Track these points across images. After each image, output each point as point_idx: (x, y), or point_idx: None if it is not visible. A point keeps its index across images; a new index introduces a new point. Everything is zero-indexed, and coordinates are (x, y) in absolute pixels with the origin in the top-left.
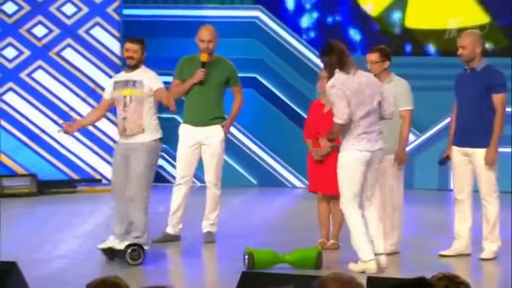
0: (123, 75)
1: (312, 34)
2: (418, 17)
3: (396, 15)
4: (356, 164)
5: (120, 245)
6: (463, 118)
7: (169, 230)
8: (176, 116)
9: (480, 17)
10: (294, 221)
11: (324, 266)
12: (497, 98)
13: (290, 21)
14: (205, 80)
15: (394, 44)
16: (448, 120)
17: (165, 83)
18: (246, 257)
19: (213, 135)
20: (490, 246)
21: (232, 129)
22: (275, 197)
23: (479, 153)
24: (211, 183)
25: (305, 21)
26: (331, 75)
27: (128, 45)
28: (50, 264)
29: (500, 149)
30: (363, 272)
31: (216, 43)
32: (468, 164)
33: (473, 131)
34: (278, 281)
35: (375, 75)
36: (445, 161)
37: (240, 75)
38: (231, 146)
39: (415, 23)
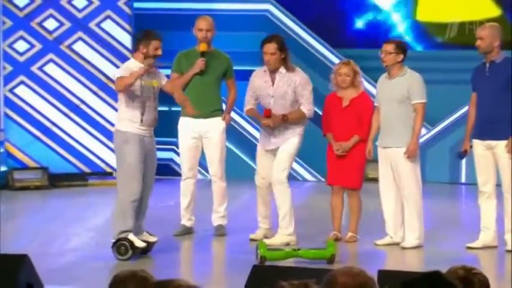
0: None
1: (323, 28)
2: (429, 10)
3: (407, 8)
4: None
5: (152, 238)
6: (484, 111)
7: (186, 222)
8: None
9: (491, 10)
10: (305, 213)
11: (341, 259)
12: None
13: (301, 14)
14: (205, 70)
15: (405, 36)
16: (459, 113)
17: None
18: (259, 257)
19: (213, 128)
20: None
21: (245, 124)
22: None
23: (502, 145)
24: (216, 176)
25: (316, 15)
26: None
27: (159, 43)
28: (62, 257)
29: None
30: None
31: (214, 34)
32: (491, 156)
33: (496, 123)
34: (289, 275)
35: (387, 66)
36: (463, 154)
37: (250, 68)
38: (242, 140)
39: (426, 16)
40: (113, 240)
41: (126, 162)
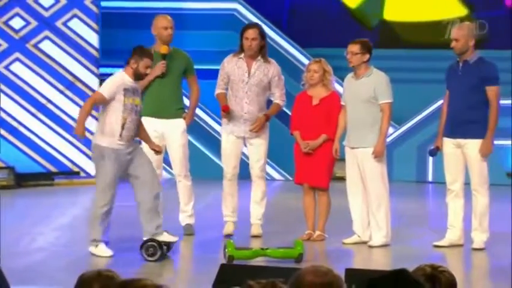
0: (129, 82)
1: (291, 27)
2: (396, 9)
3: (374, 7)
4: None
5: (173, 238)
6: (455, 110)
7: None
8: None
9: (458, 10)
10: (274, 212)
11: (309, 257)
12: (491, 91)
13: (269, 13)
14: (166, 72)
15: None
16: (426, 112)
17: None
18: (226, 256)
19: (175, 128)
20: (480, 237)
21: (210, 121)
22: (247, 188)
23: (472, 144)
24: (180, 175)
25: (284, 14)
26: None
27: (150, 62)
28: (29, 256)
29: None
30: None
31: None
32: (460, 155)
33: (466, 122)
34: (257, 274)
35: (354, 67)
36: (435, 151)
37: (218, 67)
38: (208, 138)
39: (393, 15)
40: (144, 239)
41: (100, 177)
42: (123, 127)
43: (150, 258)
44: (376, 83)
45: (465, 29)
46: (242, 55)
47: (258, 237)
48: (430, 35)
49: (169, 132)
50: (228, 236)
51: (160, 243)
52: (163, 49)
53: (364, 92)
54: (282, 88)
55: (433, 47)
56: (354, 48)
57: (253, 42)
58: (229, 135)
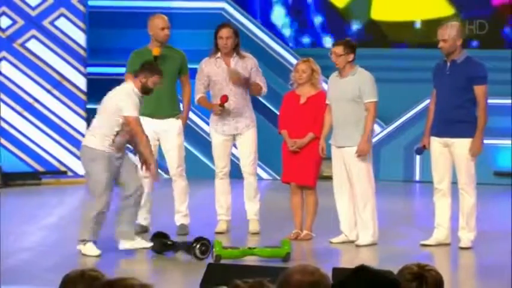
0: (138, 95)
1: (279, 26)
2: (383, 9)
3: (362, 7)
4: None
5: (147, 244)
6: (443, 109)
7: (142, 221)
8: None
9: (444, 9)
10: (261, 211)
11: (296, 256)
12: (479, 90)
13: (256, 13)
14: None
15: (359, 35)
16: (413, 111)
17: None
18: (214, 255)
19: (170, 128)
20: (468, 236)
21: (198, 121)
22: (242, 188)
23: (460, 143)
24: (176, 175)
25: (272, 13)
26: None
27: (159, 78)
28: (16, 256)
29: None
30: None
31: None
32: (448, 154)
33: (454, 122)
34: (244, 273)
35: (340, 68)
36: (421, 150)
37: None
38: (197, 138)
39: (380, 15)
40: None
41: (92, 179)
42: (117, 135)
43: (202, 256)
44: (361, 82)
45: (453, 29)
46: (218, 54)
47: (256, 234)
48: (417, 35)
49: (165, 132)
50: (220, 234)
51: (209, 241)
52: (155, 51)
53: (349, 91)
54: (261, 76)
55: (420, 46)
56: (338, 49)
57: (228, 41)
58: (219, 134)
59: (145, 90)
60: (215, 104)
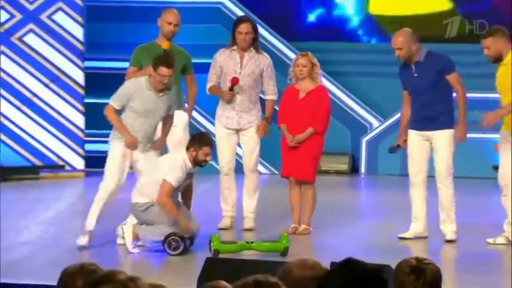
0: (189, 168)
1: (277, 21)
2: (381, 3)
3: (360, 1)
4: None
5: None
6: (420, 108)
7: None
8: None
9: (442, 3)
10: (260, 206)
11: (295, 251)
12: (452, 78)
13: (255, 7)
14: None
15: (357, 30)
16: None
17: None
18: (212, 250)
19: (177, 122)
20: (451, 228)
21: (197, 115)
22: (241, 182)
23: (440, 135)
24: None
25: (270, 8)
26: None
27: (210, 149)
28: (15, 251)
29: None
30: None
31: (178, 30)
32: (426, 147)
33: (433, 117)
34: (243, 268)
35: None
36: (395, 149)
37: (204, 61)
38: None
39: (379, 9)
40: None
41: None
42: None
43: (172, 252)
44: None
45: (405, 35)
46: (235, 47)
47: (250, 231)
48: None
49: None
50: (224, 230)
51: (182, 237)
52: (165, 45)
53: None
54: (274, 80)
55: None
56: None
57: (247, 36)
58: (222, 127)
59: (197, 163)
60: (225, 90)
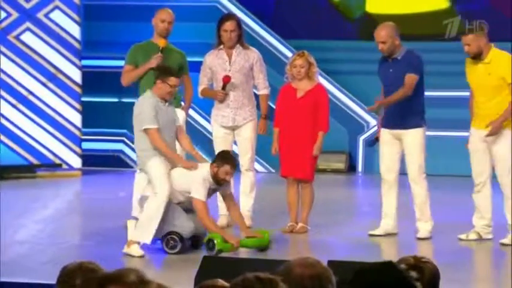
0: (210, 183)
1: (273, 19)
2: (379, 2)
3: (358, 0)
4: None
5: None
6: (392, 105)
7: (137, 214)
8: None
9: (440, 2)
10: (257, 205)
11: (293, 250)
12: (409, 78)
13: (251, 5)
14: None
15: (354, 28)
16: None
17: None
18: (216, 250)
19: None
20: (425, 226)
21: (192, 113)
22: (237, 180)
23: (411, 134)
24: None
25: (266, 6)
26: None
27: (230, 168)
28: (12, 249)
29: (431, 133)
30: None
31: (172, 28)
32: (398, 145)
33: (403, 114)
34: (240, 266)
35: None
36: (374, 142)
37: (199, 59)
38: (196, 134)
39: (376, 7)
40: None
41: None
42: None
43: (170, 251)
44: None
45: (388, 29)
46: (221, 46)
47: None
48: (412, 27)
49: None
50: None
51: (181, 236)
52: (161, 43)
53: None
54: (265, 74)
55: (415, 39)
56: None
57: (232, 34)
58: (219, 126)
59: (217, 181)
60: (217, 90)
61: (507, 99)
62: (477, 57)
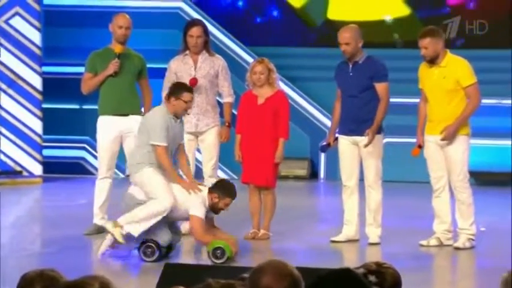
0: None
1: (235, 26)
2: (340, 9)
3: (319, 7)
4: None
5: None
6: (349, 109)
7: (98, 221)
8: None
9: (401, 9)
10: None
11: (255, 257)
12: (380, 87)
13: (214, 12)
14: (119, 71)
15: (316, 35)
16: None
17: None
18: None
19: (134, 125)
20: (375, 232)
21: None
22: None
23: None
24: None
25: (229, 13)
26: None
27: (230, 201)
28: None
29: (389, 140)
30: None
31: (130, 33)
32: (356, 152)
33: (360, 120)
34: (202, 273)
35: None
36: (326, 147)
37: (162, 66)
38: None
39: (337, 14)
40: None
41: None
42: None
43: (147, 259)
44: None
45: (353, 31)
46: (187, 52)
47: None
48: (373, 34)
49: (127, 129)
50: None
51: (158, 244)
52: (117, 48)
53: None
54: (230, 82)
55: (376, 46)
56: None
57: (198, 40)
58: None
59: (214, 209)
60: (190, 80)
61: (461, 104)
62: (433, 61)
